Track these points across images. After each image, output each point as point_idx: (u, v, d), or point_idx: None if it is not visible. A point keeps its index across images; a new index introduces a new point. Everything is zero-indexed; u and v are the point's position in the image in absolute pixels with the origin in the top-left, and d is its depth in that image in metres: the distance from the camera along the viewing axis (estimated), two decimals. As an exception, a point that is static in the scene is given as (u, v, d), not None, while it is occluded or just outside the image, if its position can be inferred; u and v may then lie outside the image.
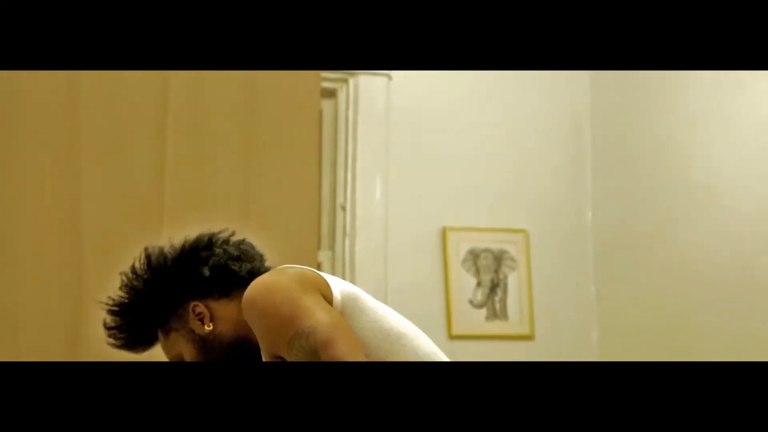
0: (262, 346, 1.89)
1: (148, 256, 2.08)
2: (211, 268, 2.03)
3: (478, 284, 3.43)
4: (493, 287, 3.43)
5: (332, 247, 3.45)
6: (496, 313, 3.42)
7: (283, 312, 1.81)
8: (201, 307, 2.02)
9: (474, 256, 3.43)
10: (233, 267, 2.03)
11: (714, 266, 3.13)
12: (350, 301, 1.89)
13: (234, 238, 2.09)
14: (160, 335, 2.07)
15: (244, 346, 1.98)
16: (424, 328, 3.38)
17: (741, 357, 2.96)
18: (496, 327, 3.41)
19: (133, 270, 2.08)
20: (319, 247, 3.42)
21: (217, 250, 2.05)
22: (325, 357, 1.73)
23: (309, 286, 1.87)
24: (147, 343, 2.10)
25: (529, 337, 3.44)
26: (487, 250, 3.45)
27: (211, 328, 2.00)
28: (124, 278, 2.07)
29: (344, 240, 3.42)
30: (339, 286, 1.90)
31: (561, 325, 3.51)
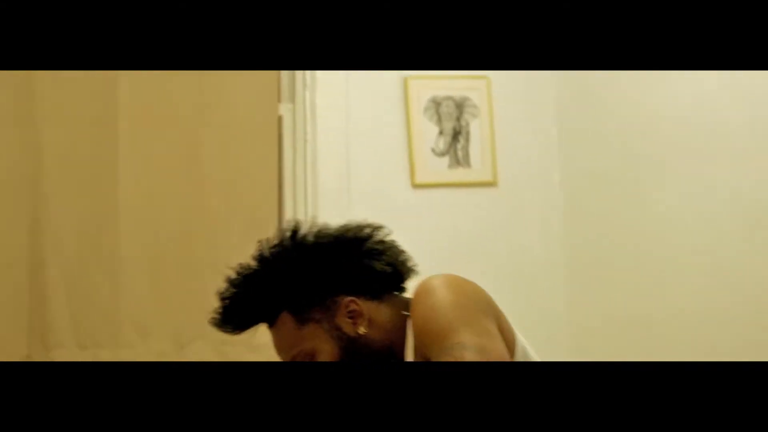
0: (416, 341, 1.75)
1: (294, 231, 1.86)
2: (387, 264, 1.86)
3: (441, 132, 3.42)
4: (456, 135, 3.43)
5: (293, 100, 3.43)
6: (459, 160, 3.43)
7: (461, 314, 1.68)
8: (357, 305, 1.83)
9: (436, 104, 3.42)
10: (401, 269, 1.89)
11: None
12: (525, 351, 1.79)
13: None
14: (289, 324, 1.84)
15: (386, 356, 1.81)
16: (387, 179, 3.42)
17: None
18: (459, 175, 3.42)
19: (279, 242, 1.86)
20: (279, 100, 3.39)
21: (389, 247, 1.89)
22: None
23: (498, 314, 1.74)
24: (252, 324, 1.90)
25: (491, 184, 3.45)
26: (448, 98, 3.43)
27: (364, 331, 1.81)
28: (264, 247, 1.87)
29: (304, 92, 3.39)
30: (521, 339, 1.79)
31: (523, 171, 3.53)
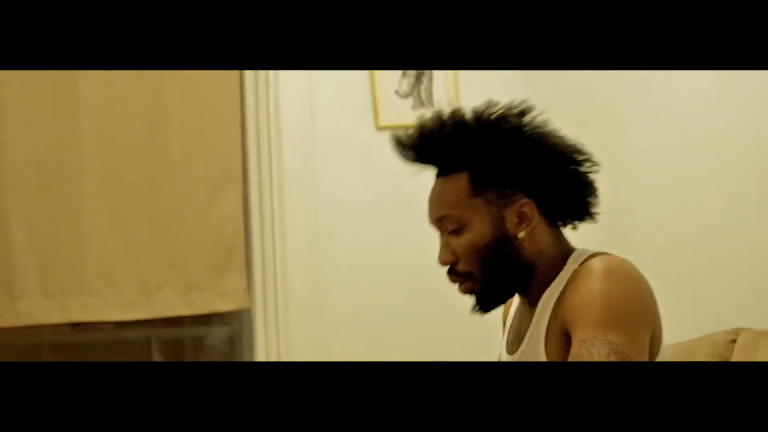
0: (564, 308, 1.72)
1: (523, 112, 1.79)
2: (579, 196, 1.81)
3: (403, 74, 3.41)
4: (419, 76, 3.42)
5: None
6: (423, 101, 3.42)
7: (628, 316, 1.65)
8: (530, 211, 1.78)
9: (398, 45, 3.40)
10: (588, 209, 1.84)
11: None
12: (664, 349, 1.78)
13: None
14: (461, 185, 1.79)
15: (524, 274, 1.78)
16: (351, 122, 3.41)
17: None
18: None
19: (504, 113, 1.78)
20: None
21: (590, 183, 1.83)
22: None
23: (656, 322, 1.72)
24: (427, 161, 1.84)
25: (455, 124, 3.45)
26: (410, 39, 3.41)
27: (522, 237, 1.77)
28: (486, 107, 1.79)
29: (266, 35, 3.36)
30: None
31: (487, 110, 3.52)
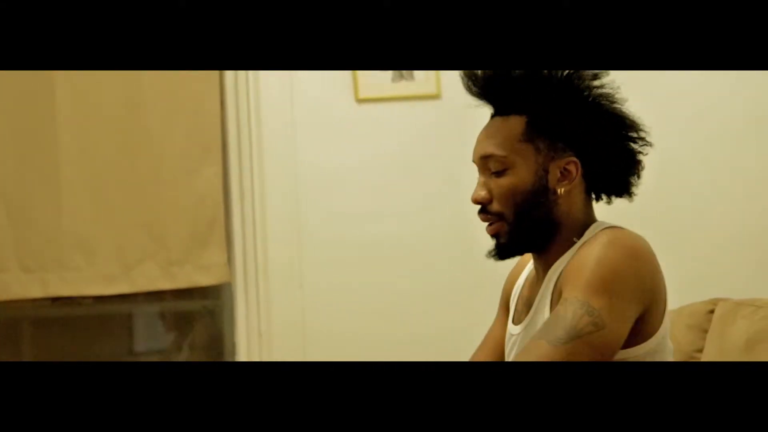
0: (566, 267, 1.73)
1: (596, 75, 1.80)
2: (626, 171, 1.83)
3: (383, 46, 3.40)
4: (398, 48, 3.40)
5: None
6: (402, 74, 3.41)
7: (615, 286, 1.65)
8: (576, 170, 1.79)
9: (377, 17, 3.39)
10: (629, 185, 1.86)
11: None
12: (666, 331, 1.76)
13: None
14: (516, 128, 1.79)
15: (549, 230, 1.79)
16: (331, 95, 3.40)
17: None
18: (403, 88, 3.40)
19: (582, 75, 1.79)
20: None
21: (640, 162, 1.85)
22: (572, 347, 1.58)
23: (652, 303, 1.71)
24: (488, 97, 1.84)
25: (435, 97, 3.44)
26: (390, 11, 3.40)
27: (561, 192, 1.78)
28: (558, 71, 1.79)
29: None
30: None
31: (467, 83, 3.52)
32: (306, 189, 3.35)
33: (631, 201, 1.88)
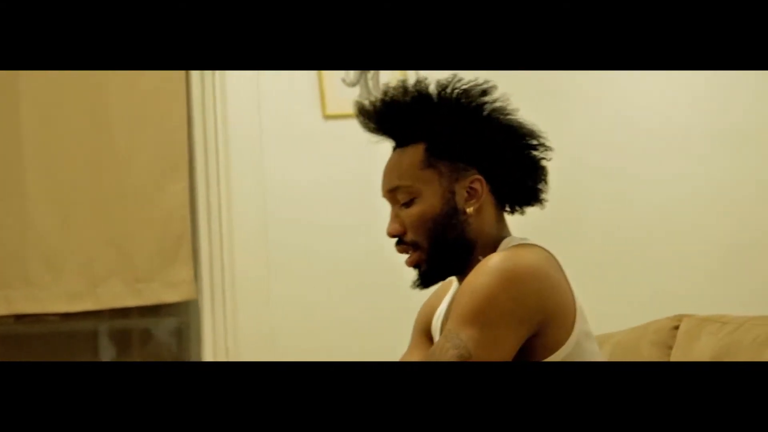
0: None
1: (486, 90, 1.81)
2: (530, 179, 1.83)
3: (350, 62, 3.41)
4: (366, 65, 3.41)
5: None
6: (370, 90, 3.41)
7: (487, 314, 1.64)
8: (481, 187, 1.80)
9: (345, 34, 3.39)
10: (536, 194, 1.86)
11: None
12: (584, 339, 1.75)
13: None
14: (416, 157, 1.80)
15: (466, 250, 1.78)
16: (298, 110, 3.39)
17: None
18: (370, 104, 3.41)
19: (468, 88, 1.80)
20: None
21: (543, 168, 1.84)
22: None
23: (545, 322, 1.69)
24: (386, 132, 1.85)
25: (403, 113, 3.45)
26: (357, 28, 3.41)
27: (471, 212, 1.79)
28: (451, 80, 1.81)
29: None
30: (582, 325, 1.74)
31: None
32: (273, 205, 3.34)
33: (542, 208, 1.88)
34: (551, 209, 3.27)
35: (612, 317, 2.89)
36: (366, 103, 1.87)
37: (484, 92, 1.83)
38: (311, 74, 3.38)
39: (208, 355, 3.30)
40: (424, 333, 2.03)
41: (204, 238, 3.34)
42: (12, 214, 3.16)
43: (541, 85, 3.29)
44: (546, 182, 1.87)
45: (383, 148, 3.43)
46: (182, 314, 3.42)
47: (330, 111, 3.38)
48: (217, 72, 3.30)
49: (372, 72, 3.41)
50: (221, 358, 3.28)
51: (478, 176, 1.80)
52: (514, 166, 1.83)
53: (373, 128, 1.87)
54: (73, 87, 3.21)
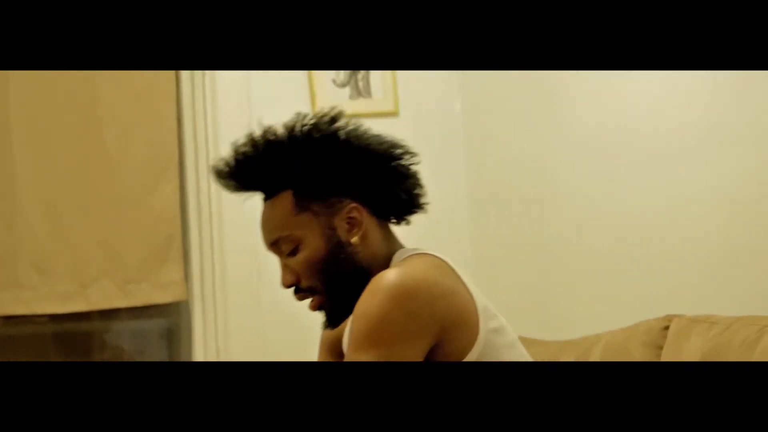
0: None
1: (333, 119, 1.77)
2: (404, 190, 1.79)
3: (341, 63, 3.41)
4: (356, 66, 3.41)
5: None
6: (360, 91, 3.42)
7: (380, 334, 1.62)
8: (359, 214, 1.77)
9: (335, 35, 3.39)
10: (415, 202, 1.82)
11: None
12: (493, 335, 1.72)
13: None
14: (287, 205, 1.77)
15: (362, 280, 1.72)
16: (289, 112, 3.37)
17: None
18: (361, 105, 3.41)
19: (315, 123, 1.77)
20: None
21: (413, 175, 1.81)
22: None
23: (444, 329, 1.67)
24: (251, 189, 1.81)
25: (393, 114, 3.46)
26: (348, 29, 3.41)
27: (356, 241, 1.76)
28: (298, 120, 1.78)
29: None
30: (487, 323, 1.71)
31: (425, 101, 3.53)
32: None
33: (425, 212, 1.86)
34: (543, 211, 3.30)
35: (602, 318, 2.90)
36: (221, 164, 1.82)
37: (333, 120, 1.79)
38: (302, 75, 3.38)
39: (199, 355, 3.30)
40: (331, 351, 2.01)
41: (195, 239, 3.34)
42: (1, 216, 3.15)
43: (539, 86, 3.30)
44: (420, 186, 1.84)
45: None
46: (173, 315, 3.42)
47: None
48: (208, 72, 3.30)
49: (362, 72, 3.41)
50: (212, 358, 3.27)
51: (354, 204, 1.78)
52: (384, 182, 1.80)
53: (235, 188, 1.83)
54: (63, 88, 3.20)
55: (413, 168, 1.83)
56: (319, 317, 3.24)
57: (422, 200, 1.84)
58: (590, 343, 2.66)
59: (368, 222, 1.79)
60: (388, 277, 1.68)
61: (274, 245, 1.81)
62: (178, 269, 3.29)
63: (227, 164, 1.82)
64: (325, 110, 1.81)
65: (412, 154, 1.83)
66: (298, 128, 1.79)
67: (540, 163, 3.33)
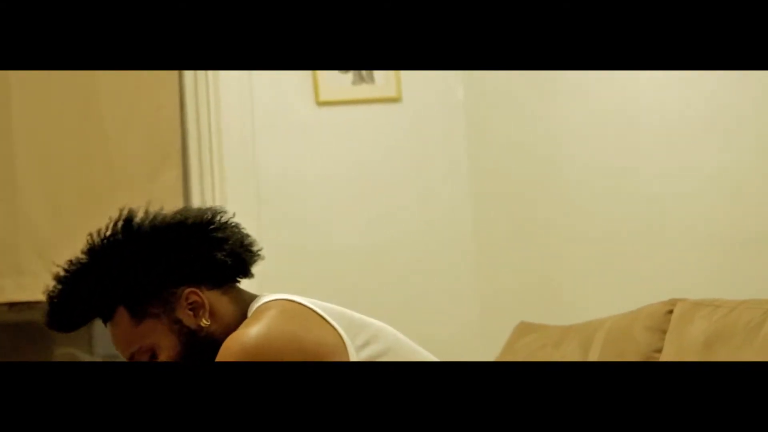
0: None
1: (128, 220, 1.74)
2: (226, 255, 1.74)
3: (343, 49, 3.40)
4: (358, 51, 3.40)
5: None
6: (363, 77, 3.41)
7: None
8: (198, 296, 1.73)
9: (337, 20, 3.38)
10: (245, 257, 1.77)
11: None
12: (364, 352, 1.69)
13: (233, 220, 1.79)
14: (125, 320, 1.73)
15: None
16: (291, 98, 3.39)
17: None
18: (363, 91, 3.40)
19: (112, 233, 1.73)
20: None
21: (231, 234, 1.77)
22: None
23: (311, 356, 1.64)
24: (86, 322, 1.76)
25: (395, 100, 3.45)
26: (350, 14, 3.40)
27: (207, 323, 1.72)
28: (94, 239, 1.74)
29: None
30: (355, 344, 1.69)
31: (427, 87, 3.52)
32: (267, 193, 3.34)
33: (262, 259, 1.82)
34: (547, 196, 3.29)
35: (606, 302, 2.90)
36: (45, 318, 1.76)
37: (127, 220, 1.75)
38: (304, 61, 3.37)
39: (202, 343, 3.29)
40: None
41: (197, 226, 3.34)
42: (3, 204, 3.15)
43: (543, 72, 3.29)
44: (247, 236, 1.80)
45: (377, 134, 3.44)
46: (175, 303, 3.41)
47: (323, 98, 3.38)
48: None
49: (365, 59, 3.40)
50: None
51: (188, 289, 1.73)
52: (206, 254, 1.75)
53: (73, 328, 1.77)
54: (64, 76, 3.20)
55: (230, 224, 1.79)
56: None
57: (254, 250, 1.80)
58: (594, 328, 2.65)
59: (210, 297, 1.75)
60: (231, 346, 1.64)
61: (132, 359, 1.75)
62: (181, 256, 3.29)
63: (50, 315, 1.75)
64: (119, 214, 1.76)
65: (221, 212, 1.79)
66: (97, 247, 1.74)
67: (543, 149, 3.32)
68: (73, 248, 3.14)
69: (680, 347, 2.35)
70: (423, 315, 3.40)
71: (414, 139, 3.51)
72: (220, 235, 1.76)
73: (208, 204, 3.30)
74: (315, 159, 3.40)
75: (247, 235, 1.81)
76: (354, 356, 1.69)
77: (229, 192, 3.30)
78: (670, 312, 2.46)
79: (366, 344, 1.72)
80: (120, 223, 1.75)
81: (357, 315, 1.78)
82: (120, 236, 1.74)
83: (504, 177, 3.48)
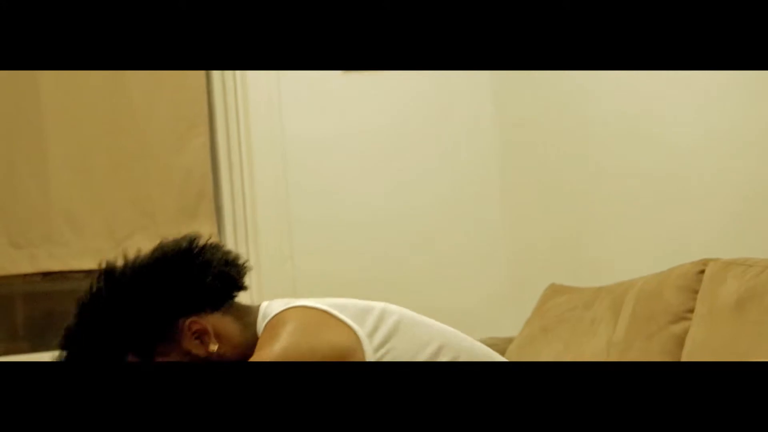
0: None
1: (109, 272, 1.73)
2: (214, 277, 1.74)
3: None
4: (384, 16, 3.39)
5: None
6: (388, 41, 3.40)
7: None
8: (199, 324, 1.73)
9: None
10: (232, 273, 1.77)
11: None
12: (388, 353, 1.71)
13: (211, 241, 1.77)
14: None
15: None
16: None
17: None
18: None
19: (95, 293, 1.72)
20: None
21: (213, 255, 1.76)
22: None
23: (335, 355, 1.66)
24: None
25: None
26: None
27: (215, 347, 1.73)
28: (83, 303, 1.72)
29: None
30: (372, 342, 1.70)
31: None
32: (294, 159, 3.35)
33: (250, 269, 1.82)
34: (576, 157, 3.27)
35: (638, 262, 2.89)
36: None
37: (108, 273, 1.74)
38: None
39: (233, 309, 3.32)
40: None
41: (226, 194, 3.35)
42: (35, 175, 3.17)
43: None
44: (229, 253, 1.80)
45: (402, 96, 3.43)
46: (206, 270, 3.43)
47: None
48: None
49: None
50: (245, 312, 3.29)
51: (188, 320, 1.74)
52: (196, 283, 1.75)
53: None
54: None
55: (209, 246, 1.77)
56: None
57: (240, 263, 1.79)
58: (624, 289, 2.65)
59: (212, 321, 1.75)
60: (280, 328, 1.67)
61: None
62: (211, 224, 3.30)
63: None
64: (102, 265, 1.75)
65: (196, 237, 1.77)
66: (88, 305, 1.73)
67: (572, 108, 3.31)
68: (103, 217, 3.19)
69: (712, 307, 2.35)
70: (452, 278, 3.41)
71: (441, 104, 3.50)
72: (201, 259, 1.76)
73: (236, 169, 3.32)
74: (342, 125, 3.40)
75: (228, 252, 1.80)
76: (368, 345, 1.70)
77: (256, 159, 3.31)
78: (702, 272, 2.46)
79: (376, 329, 1.73)
80: (102, 278, 1.74)
81: (360, 302, 1.78)
82: (102, 290, 1.73)
83: (532, 137, 3.47)
